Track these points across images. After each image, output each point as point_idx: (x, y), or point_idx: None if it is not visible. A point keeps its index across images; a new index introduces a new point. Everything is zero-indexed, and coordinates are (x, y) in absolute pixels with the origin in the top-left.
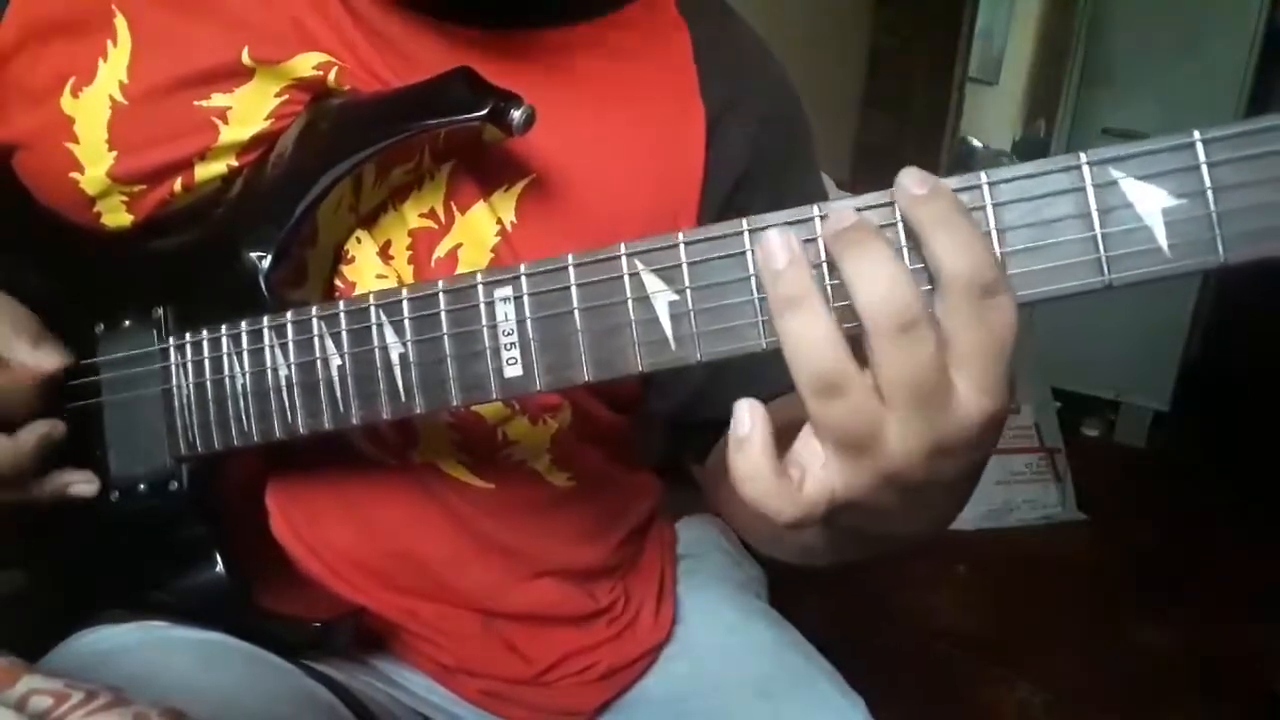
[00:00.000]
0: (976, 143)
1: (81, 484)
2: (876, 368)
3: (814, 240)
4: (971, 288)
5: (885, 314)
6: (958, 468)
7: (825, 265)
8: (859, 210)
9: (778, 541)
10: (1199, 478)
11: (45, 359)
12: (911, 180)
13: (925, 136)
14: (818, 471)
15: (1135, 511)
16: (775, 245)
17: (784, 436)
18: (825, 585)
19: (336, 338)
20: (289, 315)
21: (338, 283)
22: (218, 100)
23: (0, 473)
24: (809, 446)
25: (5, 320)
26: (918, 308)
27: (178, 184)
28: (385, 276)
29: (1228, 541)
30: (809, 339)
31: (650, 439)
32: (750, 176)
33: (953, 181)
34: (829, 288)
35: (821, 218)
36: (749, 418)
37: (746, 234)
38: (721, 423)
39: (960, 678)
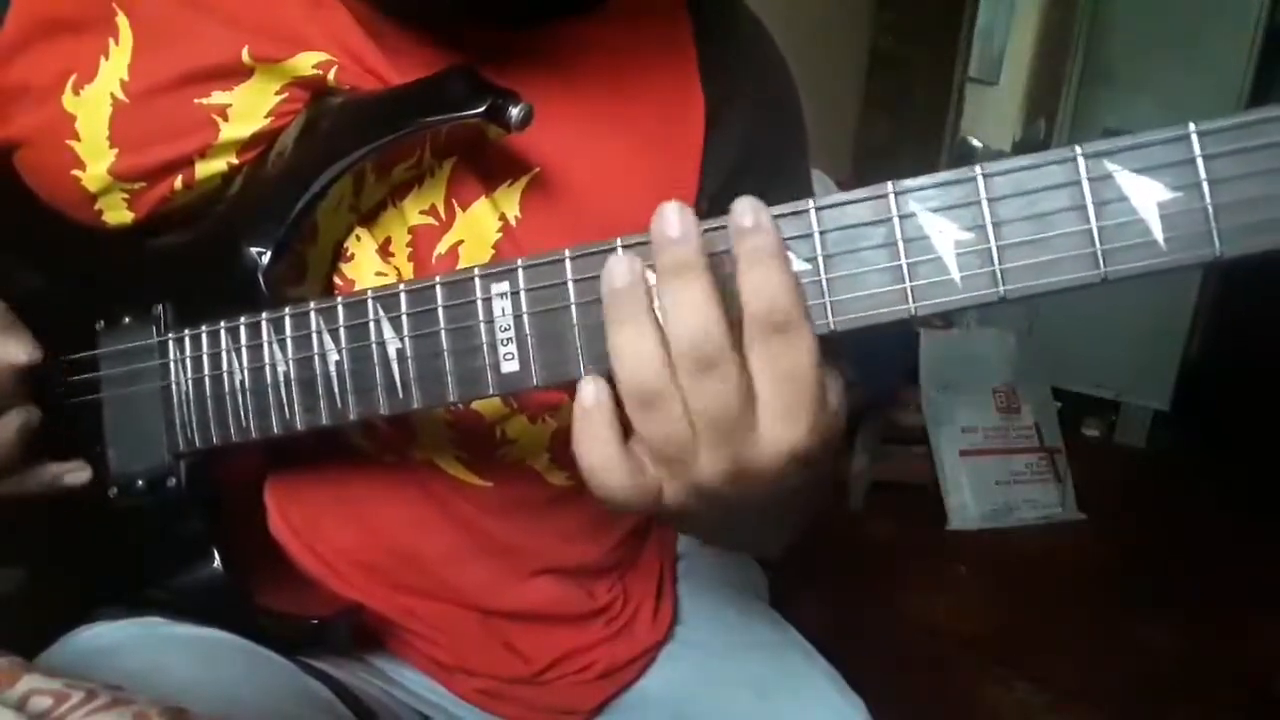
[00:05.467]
0: (976, 142)
1: (72, 473)
2: (684, 397)
3: (809, 236)
4: (767, 325)
5: (690, 351)
6: (769, 491)
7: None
8: (706, 231)
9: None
10: (1199, 478)
11: (13, 350)
12: (742, 210)
13: (925, 136)
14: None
15: (1135, 511)
16: (617, 267)
17: None
18: (825, 585)
19: (334, 333)
20: (287, 311)
21: (337, 280)
22: (218, 98)
23: None
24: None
25: None
26: (721, 349)
27: (178, 181)
28: (385, 274)
29: (1228, 541)
30: (635, 353)
31: None
32: (745, 164)
33: (947, 175)
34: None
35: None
36: (592, 388)
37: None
38: None
39: (960, 678)
